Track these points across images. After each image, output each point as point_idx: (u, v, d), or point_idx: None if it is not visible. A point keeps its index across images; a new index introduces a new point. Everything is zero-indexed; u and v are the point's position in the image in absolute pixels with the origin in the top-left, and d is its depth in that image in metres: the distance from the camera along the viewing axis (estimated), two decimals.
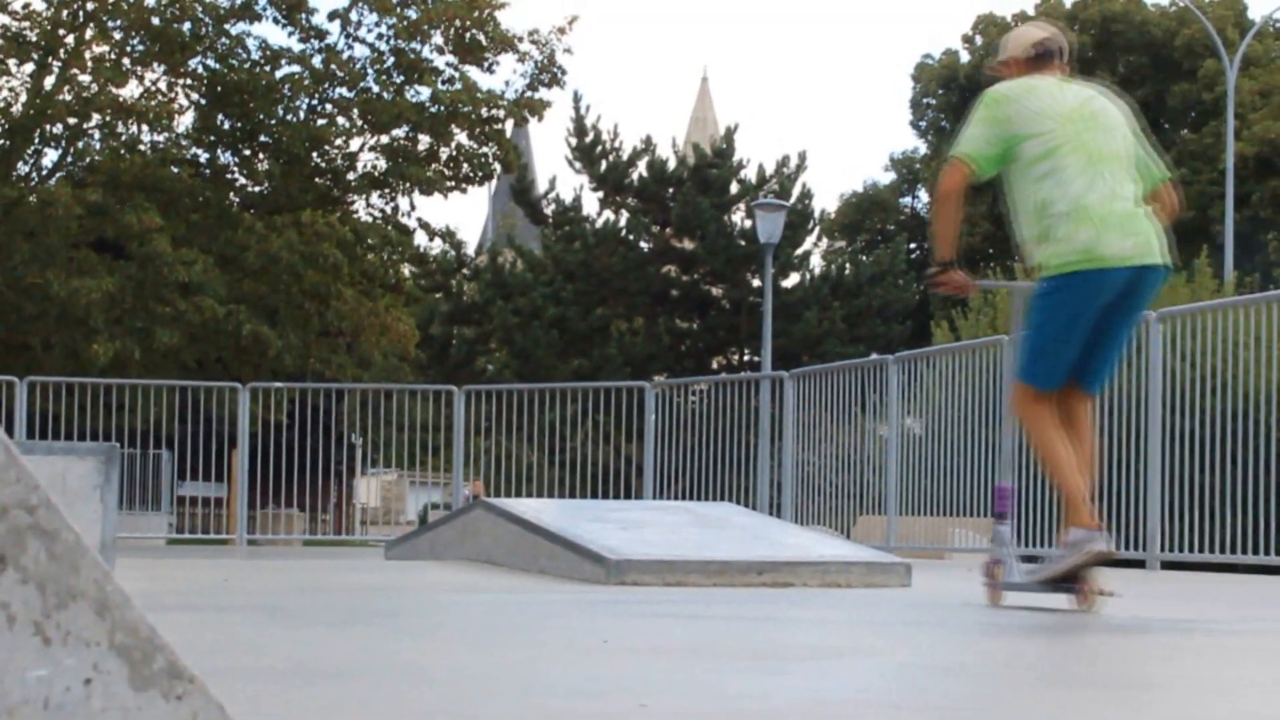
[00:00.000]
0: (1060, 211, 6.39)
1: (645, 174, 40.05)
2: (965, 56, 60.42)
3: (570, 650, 4.57)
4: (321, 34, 28.14)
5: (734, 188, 40.49)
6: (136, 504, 22.80)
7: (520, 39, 28.38)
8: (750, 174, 40.79)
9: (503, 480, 20.80)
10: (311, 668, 3.93)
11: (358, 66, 28.14)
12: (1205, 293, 27.16)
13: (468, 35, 27.92)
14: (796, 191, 40.61)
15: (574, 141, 40.03)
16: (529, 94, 28.71)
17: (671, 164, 40.45)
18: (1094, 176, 6.41)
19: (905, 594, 7.78)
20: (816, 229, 43.64)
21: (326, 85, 28.12)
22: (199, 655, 2.56)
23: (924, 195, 63.81)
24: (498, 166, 29.54)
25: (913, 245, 60.19)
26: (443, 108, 28.00)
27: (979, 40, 60.02)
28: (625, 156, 40.23)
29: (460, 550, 10.37)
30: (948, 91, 60.26)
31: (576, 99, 40.04)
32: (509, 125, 29.34)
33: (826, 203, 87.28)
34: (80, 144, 27.32)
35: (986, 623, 5.93)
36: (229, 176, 28.61)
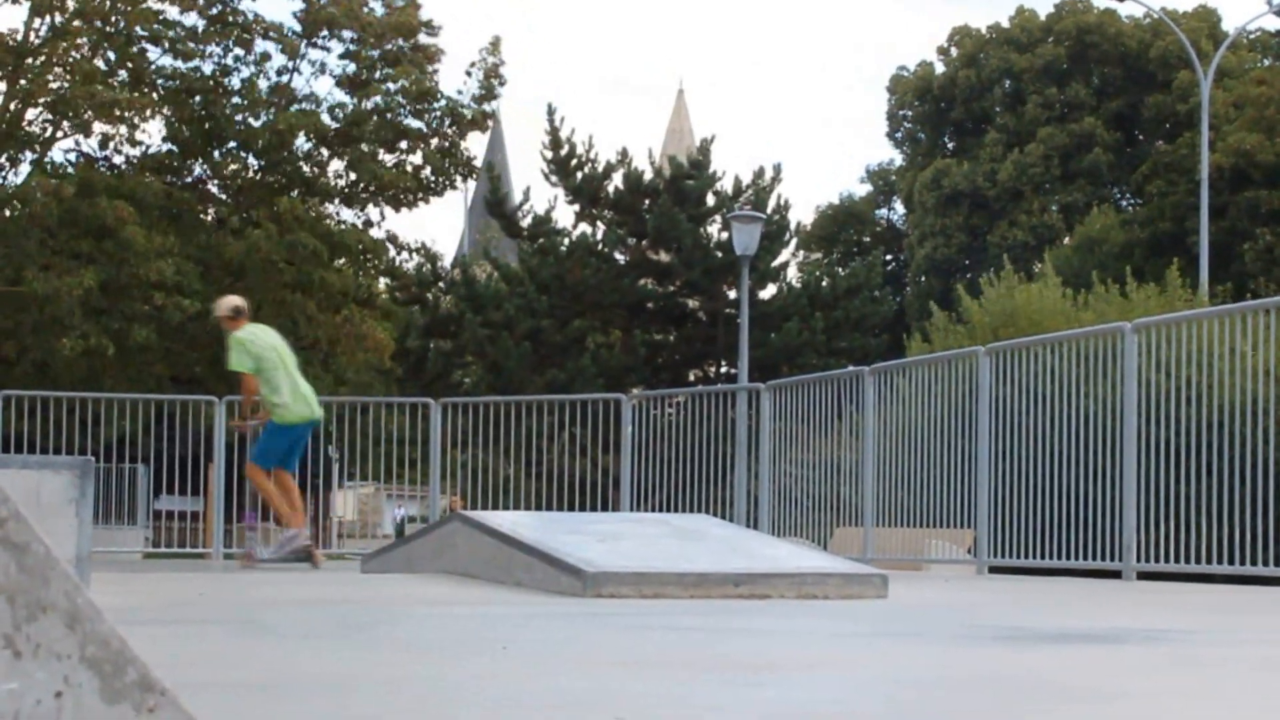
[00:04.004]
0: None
1: (621, 186, 40.01)
2: (940, 68, 60.55)
3: (546, 662, 4.57)
4: (289, 43, 28.77)
5: (710, 200, 40.47)
6: (113, 518, 22.71)
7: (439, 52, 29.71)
8: (726, 186, 40.79)
9: (479, 493, 20.76)
10: (286, 681, 3.92)
11: (315, 77, 29.13)
12: (1178, 304, 27.28)
13: (401, 44, 28.96)
14: (772, 203, 40.56)
15: (549, 154, 39.99)
16: (476, 106, 29.91)
17: (648, 176, 40.42)
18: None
19: (882, 605, 7.78)
20: (793, 241, 43.58)
21: (284, 100, 28.65)
22: (172, 669, 2.55)
23: (900, 207, 63.92)
24: (459, 178, 30.39)
25: (889, 257, 60.27)
26: (399, 109, 28.89)
27: (954, 52, 60.14)
28: (600, 169, 40.20)
29: (437, 563, 10.35)
30: (923, 103, 60.38)
31: (550, 112, 39.98)
32: (469, 139, 30.28)
33: (803, 215, 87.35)
34: (50, 157, 27.46)
35: (962, 634, 5.94)
36: (201, 187, 28.81)
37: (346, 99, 29.11)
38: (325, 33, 28.78)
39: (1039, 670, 4.46)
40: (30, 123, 26.92)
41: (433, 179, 29.84)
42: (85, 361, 24.63)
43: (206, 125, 28.03)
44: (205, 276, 26.55)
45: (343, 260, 29.67)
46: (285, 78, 29.06)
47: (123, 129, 27.36)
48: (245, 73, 28.71)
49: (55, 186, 25.05)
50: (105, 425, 19.68)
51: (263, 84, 28.79)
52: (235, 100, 28.34)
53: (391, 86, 29.06)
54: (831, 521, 17.04)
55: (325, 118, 28.79)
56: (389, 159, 29.42)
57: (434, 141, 29.60)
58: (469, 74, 30.08)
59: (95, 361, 24.72)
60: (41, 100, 26.60)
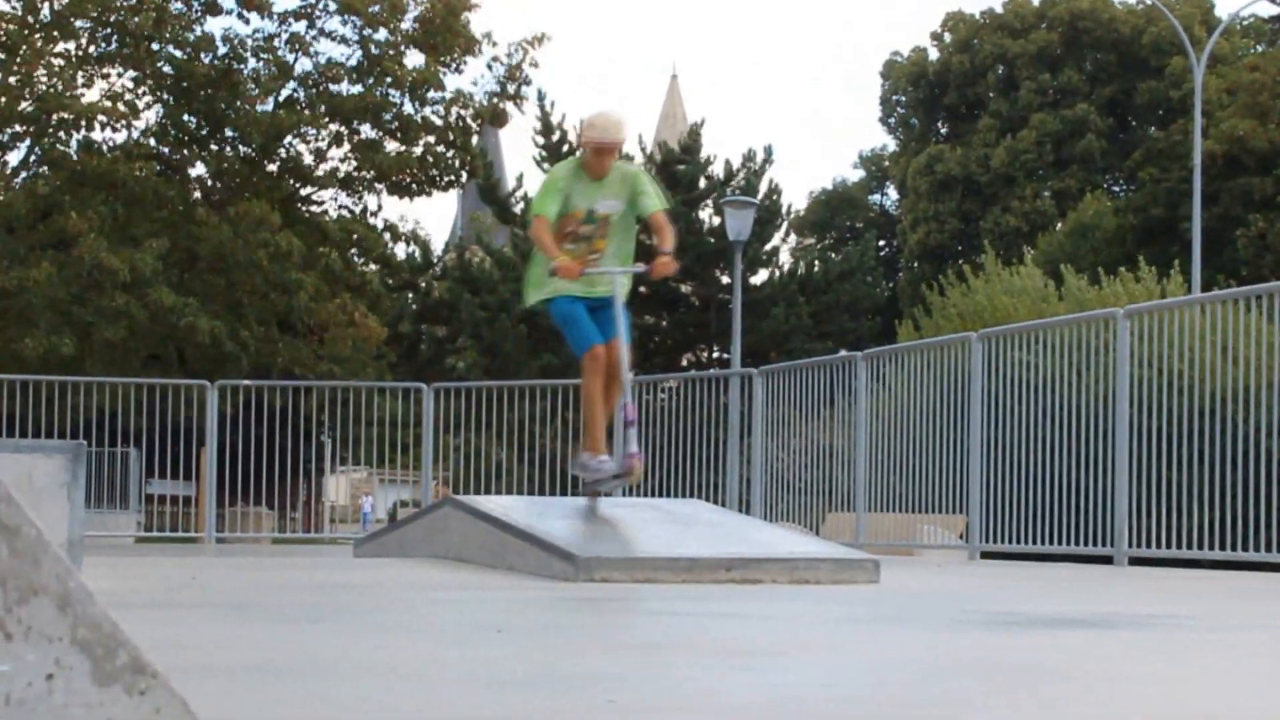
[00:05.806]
0: None
1: None
2: (934, 54, 60.53)
3: (540, 646, 4.57)
4: (285, 17, 28.52)
5: (702, 184, 40.46)
6: (105, 502, 22.72)
7: (482, 42, 28.99)
8: (718, 170, 40.77)
9: (472, 478, 20.76)
10: (278, 664, 3.92)
11: (323, 60, 28.62)
12: (1150, 293, 27.40)
13: (436, 21, 28.29)
14: (765, 188, 40.58)
15: (541, 140, 39.97)
16: (495, 100, 29.35)
17: (639, 161, 40.41)
18: None
19: (873, 590, 7.79)
20: (785, 226, 43.61)
21: (293, 83, 28.38)
22: (164, 652, 2.55)
23: (893, 192, 63.94)
24: (465, 174, 29.99)
25: (882, 243, 60.29)
26: (409, 100, 28.42)
27: (948, 38, 60.11)
28: None
29: (429, 548, 10.35)
30: (917, 89, 60.36)
31: (541, 98, 39.97)
32: (474, 135, 29.81)
33: (796, 200, 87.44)
34: (44, 142, 27.34)
35: (954, 619, 5.94)
36: (190, 172, 28.72)
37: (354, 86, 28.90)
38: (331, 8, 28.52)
39: (1030, 654, 4.47)
40: (24, 110, 26.86)
41: (439, 176, 29.55)
42: (54, 357, 24.56)
43: (204, 118, 27.92)
44: (189, 267, 26.54)
45: (333, 245, 29.52)
46: (292, 57, 28.80)
47: (119, 107, 27.25)
48: (254, 42, 28.54)
49: (28, 184, 25.13)
50: (97, 409, 19.65)
51: (272, 44, 28.60)
52: (247, 73, 28.14)
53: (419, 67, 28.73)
54: (824, 506, 17.05)
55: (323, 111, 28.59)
56: (392, 147, 29.13)
57: (433, 137, 29.29)
58: (490, 67, 29.57)
59: (62, 357, 24.63)
60: (37, 87, 26.55)
